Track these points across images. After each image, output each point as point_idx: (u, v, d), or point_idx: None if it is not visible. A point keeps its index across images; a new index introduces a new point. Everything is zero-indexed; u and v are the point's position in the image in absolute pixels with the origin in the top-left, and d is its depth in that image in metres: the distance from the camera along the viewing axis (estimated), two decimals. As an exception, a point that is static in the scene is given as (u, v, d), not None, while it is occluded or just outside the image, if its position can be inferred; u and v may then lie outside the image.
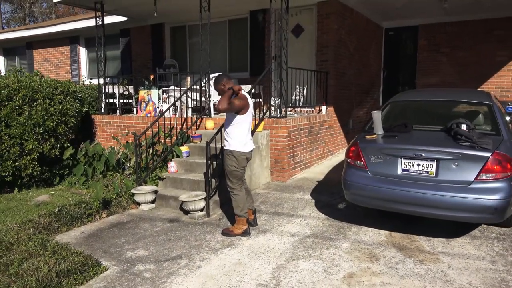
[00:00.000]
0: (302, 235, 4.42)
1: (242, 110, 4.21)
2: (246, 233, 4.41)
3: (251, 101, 4.35)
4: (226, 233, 4.48)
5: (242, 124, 4.27)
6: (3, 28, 35.28)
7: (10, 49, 14.79)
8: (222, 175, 5.57)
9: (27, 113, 6.63)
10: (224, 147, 4.43)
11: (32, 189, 7.08)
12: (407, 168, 4.09)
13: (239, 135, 4.27)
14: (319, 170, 7.30)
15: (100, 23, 8.72)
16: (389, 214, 4.65)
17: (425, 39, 10.61)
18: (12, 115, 6.54)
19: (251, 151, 4.42)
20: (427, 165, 4.00)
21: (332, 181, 6.51)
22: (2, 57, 15.10)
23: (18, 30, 13.96)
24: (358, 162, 4.36)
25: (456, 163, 3.89)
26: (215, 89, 4.34)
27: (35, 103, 6.79)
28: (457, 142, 4.04)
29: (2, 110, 6.52)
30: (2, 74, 7.29)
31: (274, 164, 6.60)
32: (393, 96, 5.46)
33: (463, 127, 4.14)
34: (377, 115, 4.56)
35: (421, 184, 3.97)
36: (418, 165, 4.04)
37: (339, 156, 8.38)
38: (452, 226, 4.49)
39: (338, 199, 5.59)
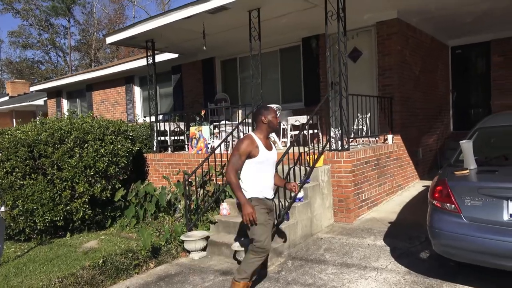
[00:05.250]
0: (381, 296, 3.61)
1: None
2: None
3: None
4: None
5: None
6: (72, 74, 38.05)
7: (72, 92, 15.51)
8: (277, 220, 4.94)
9: (78, 155, 6.48)
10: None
11: (83, 233, 6.85)
12: (516, 213, 3.20)
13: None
14: (390, 208, 6.40)
15: (151, 61, 8.68)
16: (488, 269, 3.70)
17: (500, 55, 9.47)
18: (63, 157, 6.42)
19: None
20: (546, 209, 3.10)
21: (407, 222, 5.61)
22: (66, 100, 15.86)
23: (79, 74, 14.62)
24: (448, 204, 3.53)
25: None
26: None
27: (86, 145, 6.65)
28: None
29: (55, 153, 6.44)
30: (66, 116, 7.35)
31: (338, 203, 5.84)
32: (481, 121, 4.56)
33: None
34: (467, 145, 3.73)
35: (539, 233, 3.06)
36: (533, 209, 3.15)
37: (410, 190, 7.42)
38: None
39: (418, 246, 4.69)
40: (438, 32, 9.02)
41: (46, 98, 17.20)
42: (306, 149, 5.88)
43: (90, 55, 41.17)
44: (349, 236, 5.28)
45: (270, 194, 3.76)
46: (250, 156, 3.58)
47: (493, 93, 9.66)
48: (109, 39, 8.43)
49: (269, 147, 3.71)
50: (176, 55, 10.71)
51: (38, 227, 6.33)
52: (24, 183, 6.25)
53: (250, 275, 3.62)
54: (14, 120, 22.55)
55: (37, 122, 6.99)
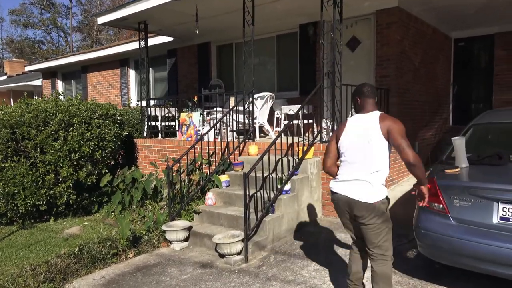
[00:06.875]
0: (361, 297, 3.44)
1: None
2: None
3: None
4: None
5: None
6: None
7: (68, 73, 15.24)
8: (264, 211, 4.77)
9: (62, 139, 6.30)
10: None
11: (68, 217, 6.72)
12: (507, 216, 3.02)
13: None
14: (380, 203, 6.22)
15: (144, 44, 8.43)
16: (473, 273, 3.54)
17: (504, 49, 9.19)
18: (47, 140, 6.25)
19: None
20: (538, 213, 2.92)
21: (397, 219, 5.38)
22: (61, 82, 15.61)
23: (74, 55, 14.34)
24: (436, 204, 3.35)
25: None
26: None
27: (71, 128, 6.47)
28: None
29: (39, 136, 6.26)
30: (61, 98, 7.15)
31: (327, 197, 5.67)
32: (477, 117, 4.36)
33: None
34: (459, 142, 3.54)
35: (529, 239, 2.88)
36: (524, 212, 2.97)
37: (404, 185, 7.22)
38: None
39: (406, 245, 4.53)
40: (441, 23, 8.73)
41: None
42: (296, 139, 5.69)
43: (92, 37, 40.67)
44: (336, 230, 5.12)
45: None
46: None
47: (494, 88, 9.41)
48: (100, 20, 8.16)
49: None
50: (171, 39, 10.43)
51: (20, 211, 6.19)
52: (6, 165, 6.09)
53: None
54: (11, 100, 22.34)
55: (22, 103, 6.79)
